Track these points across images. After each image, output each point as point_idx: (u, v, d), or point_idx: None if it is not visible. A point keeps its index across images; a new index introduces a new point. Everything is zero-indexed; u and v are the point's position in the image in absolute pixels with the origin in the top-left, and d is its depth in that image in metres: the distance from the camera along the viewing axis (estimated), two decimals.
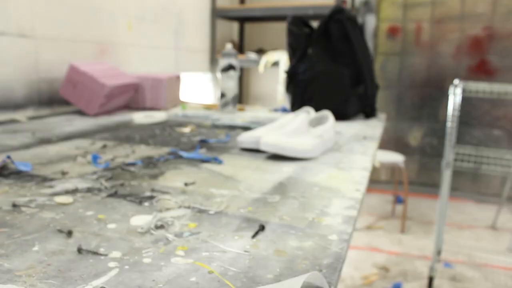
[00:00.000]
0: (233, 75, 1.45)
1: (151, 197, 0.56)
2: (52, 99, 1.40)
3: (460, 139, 2.68)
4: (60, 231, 0.44)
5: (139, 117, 1.28)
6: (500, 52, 2.89)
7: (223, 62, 1.59)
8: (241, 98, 3.06)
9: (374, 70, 1.41)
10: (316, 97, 1.35)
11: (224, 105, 1.57)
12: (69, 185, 0.60)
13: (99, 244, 0.42)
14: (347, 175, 0.70)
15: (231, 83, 1.46)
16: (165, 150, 0.86)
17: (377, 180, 3.24)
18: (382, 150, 2.66)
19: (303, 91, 1.37)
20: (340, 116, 1.31)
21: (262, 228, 0.46)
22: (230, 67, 1.43)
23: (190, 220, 0.49)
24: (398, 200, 2.92)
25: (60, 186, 0.59)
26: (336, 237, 0.45)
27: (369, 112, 1.42)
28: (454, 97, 1.85)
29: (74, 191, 0.58)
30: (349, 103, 1.35)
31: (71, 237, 0.43)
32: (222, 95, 1.58)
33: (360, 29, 1.40)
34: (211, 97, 2.71)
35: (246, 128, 1.15)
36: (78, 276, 0.35)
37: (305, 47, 1.39)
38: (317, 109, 1.16)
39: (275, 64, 2.37)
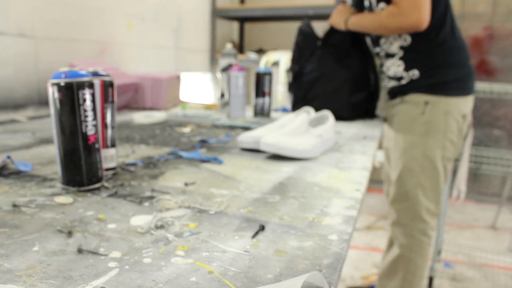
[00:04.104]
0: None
1: (151, 197, 0.56)
2: None
3: None
4: (60, 231, 0.44)
5: (139, 117, 1.28)
6: (500, 52, 2.89)
7: (223, 62, 1.59)
8: None
9: (378, 75, 1.42)
10: (319, 98, 1.35)
11: (224, 105, 1.57)
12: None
13: (99, 244, 0.42)
14: (347, 175, 0.70)
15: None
16: (165, 150, 0.86)
17: (377, 180, 3.24)
18: (382, 150, 2.66)
19: (306, 91, 1.37)
20: (341, 118, 1.31)
21: (262, 228, 0.46)
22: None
23: (190, 220, 0.49)
24: None
25: (60, 186, 0.59)
26: (336, 237, 0.45)
27: (371, 114, 1.42)
28: None
29: (74, 191, 0.58)
30: (351, 106, 1.35)
31: (71, 237, 0.43)
32: (222, 95, 1.58)
33: (364, 33, 1.41)
34: (211, 97, 2.71)
35: (246, 128, 1.15)
36: (78, 276, 0.35)
37: (314, 48, 1.39)
38: (319, 109, 1.16)
39: (275, 64, 2.37)
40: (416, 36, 1.26)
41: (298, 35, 1.45)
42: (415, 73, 1.29)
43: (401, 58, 1.31)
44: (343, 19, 1.34)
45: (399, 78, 1.34)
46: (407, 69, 1.31)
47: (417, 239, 1.35)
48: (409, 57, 1.30)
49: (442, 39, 1.25)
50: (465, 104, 1.30)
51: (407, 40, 1.28)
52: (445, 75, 1.27)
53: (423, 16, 1.18)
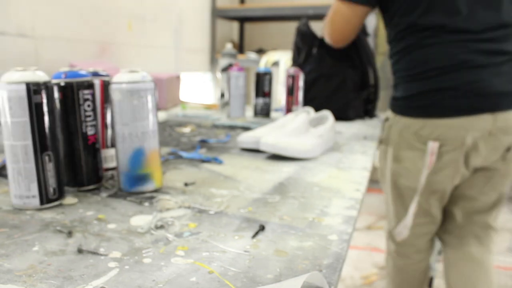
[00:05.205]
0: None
1: (151, 197, 0.56)
2: None
3: None
4: (60, 231, 0.44)
5: None
6: None
7: (223, 62, 1.59)
8: None
9: (378, 75, 1.41)
10: (319, 98, 1.35)
11: (224, 105, 1.57)
12: None
13: (99, 244, 0.42)
14: (347, 175, 0.71)
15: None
16: (165, 150, 0.86)
17: (377, 180, 3.23)
18: None
19: (306, 91, 1.37)
20: (341, 118, 1.31)
21: (262, 228, 0.46)
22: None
23: (190, 220, 0.49)
24: None
25: None
26: (336, 237, 0.45)
27: (371, 114, 1.42)
28: None
29: (74, 191, 0.58)
30: (351, 106, 1.35)
31: (71, 237, 0.43)
32: (222, 95, 1.58)
33: (364, 32, 1.40)
34: (211, 97, 2.71)
35: (246, 128, 1.15)
36: (78, 276, 0.35)
37: (311, 48, 1.39)
38: (319, 109, 1.16)
39: (275, 64, 2.37)
40: (388, 42, 1.15)
41: (296, 35, 1.45)
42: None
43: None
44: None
45: None
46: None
47: (386, 258, 1.30)
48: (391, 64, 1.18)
49: (400, 49, 1.08)
50: (425, 128, 1.04)
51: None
52: (398, 89, 1.11)
53: (336, 36, 1.17)
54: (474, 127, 1.00)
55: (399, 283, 1.30)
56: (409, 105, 1.08)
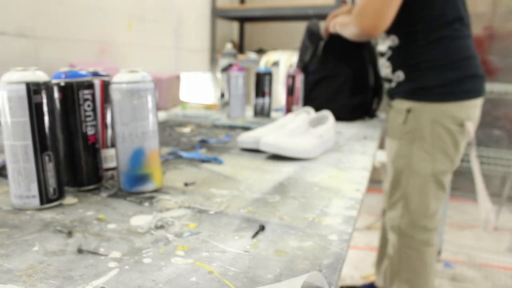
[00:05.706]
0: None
1: (151, 197, 0.56)
2: None
3: None
4: (60, 231, 0.44)
5: None
6: (500, 52, 2.89)
7: (223, 62, 1.59)
8: None
9: (381, 78, 1.40)
10: (320, 98, 1.35)
11: (224, 105, 1.57)
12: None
13: (99, 244, 0.42)
14: (347, 175, 0.70)
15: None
16: (165, 150, 0.86)
17: (377, 180, 3.23)
18: (382, 150, 2.65)
19: (309, 92, 1.37)
20: (342, 118, 1.31)
21: (262, 228, 0.46)
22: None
23: (190, 220, 0.49)
24: None
25: None
26: (336, 237, 0.45)
27: (371, 114, 1.42)
28: None
29: (74, 191, 0.58)
30: (351, 106, 1.35)
31: (71, 237, 0.43)
32: (222, 95, 1.58)
33: None
34: (211, 97, 2.71)
35: (246, 128, 1.15)
36: (78, 276, 0.35)
37: (316, 48, 1.39)
38: (319, 110, 1.16)
39: (275, 64, 2.37)
40: (403, 37, 1.19)
41: (305, 34, 1.44)
42: (400, 75, 1.22)
43: (389, 59, 1.25)
44: (332, 23, 1.32)
45: (389, 80, 1.28)
46: (393, 70, 1.25)
47: (405, 252, 1.29)
48: (396, 58, 1.23)
49: (433, 40, 1.16)
50: (460, 110, 1.16)
51: (395, 41, 1.21)
52: (431, 78, 1.17)
53: (373, 22, 1.10)
54: (480, 106, 1.21)
55: (425, 275, 1.28)
56: (448, 91, 1.16)
